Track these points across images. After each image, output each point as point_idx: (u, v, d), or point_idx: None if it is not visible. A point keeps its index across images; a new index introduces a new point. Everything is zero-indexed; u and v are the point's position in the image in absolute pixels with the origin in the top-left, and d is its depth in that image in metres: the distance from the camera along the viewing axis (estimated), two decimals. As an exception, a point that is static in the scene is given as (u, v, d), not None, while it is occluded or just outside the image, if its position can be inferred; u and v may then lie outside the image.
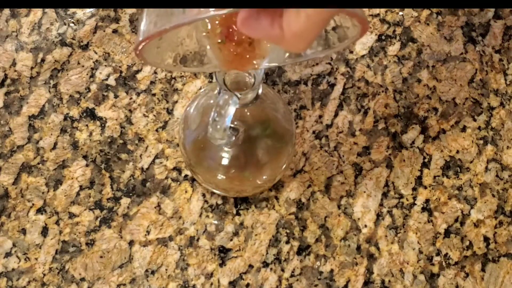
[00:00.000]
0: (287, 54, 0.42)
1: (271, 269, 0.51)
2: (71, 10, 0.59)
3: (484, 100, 0.58)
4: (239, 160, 0.48)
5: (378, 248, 0.52)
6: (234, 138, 0.45)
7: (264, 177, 0.50)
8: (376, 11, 0.60)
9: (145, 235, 0.52)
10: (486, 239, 0.53)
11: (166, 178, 0.53)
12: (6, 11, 0.59)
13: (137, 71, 0.57)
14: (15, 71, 0.56)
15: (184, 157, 0.51)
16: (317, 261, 0.51)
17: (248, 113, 0.45)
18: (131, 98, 0.56)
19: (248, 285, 0.51)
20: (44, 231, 0.51)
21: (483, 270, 0.52)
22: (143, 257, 0.51)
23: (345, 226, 0.52)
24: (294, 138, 0.51)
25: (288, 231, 0.52)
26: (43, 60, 0.57)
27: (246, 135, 0.46)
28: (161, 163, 0.54)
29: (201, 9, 0.31)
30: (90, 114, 0.55)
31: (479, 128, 0.57)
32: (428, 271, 0.52)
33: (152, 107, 0.55)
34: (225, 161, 0.48)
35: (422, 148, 0.56)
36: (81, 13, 0.59)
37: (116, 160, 0.54)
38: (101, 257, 0.51)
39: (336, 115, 0.56)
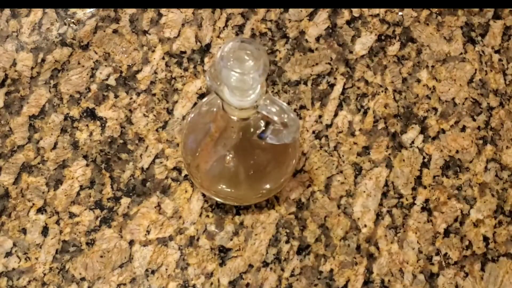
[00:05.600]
0: None
1: (271, 268, 0.51)
2: (72, 10, 0.59)
3: (484, 100, 0.58)
4: (243, 168, 0.47)
5: (377, 248, 0.52)
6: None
7: (267, 186, 0.49)
8: (376, 11, 0.60)
9: (145, 234, 0.52)
10: (485, 238, 0.53)
11: (166, 178, 0.53)
12: (7, 11, 0.59)
13: (137, 71, 0.57)
14: (16, 71, 0.56)
15: (186, 166, 0.51)
16: (316, 261, 0.52)
17: (251, 121, 0.44)
18: (131, 98, 0.56)
19: (248, 284, 0.51)
20: (45, 231, 0.52)
21: (482, 269, 0.52)
22: (143, 256, 0.51)
23: (345, 226, 0.53)
24: (298, 144, 0.50)
25: (288, 230, 0.52)
26: (43, 60, 0.57)
27: (248, 143, 0.46)
28: (161, 163, 0.54)
29: None
30: (90, 114, 0.55)
31: (478, 128, 0.57)
32: (427, 270, 0.52)
33: (152, 107, 0.56)
34: (228, 169, 0.48)
35: (422, 148, 0.56)
36: (81, 13, 0.59)
37: (116, 160, 0.54)
38: (101, 256, 0.51)
39: (335, 115, 0.56)
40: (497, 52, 0.59)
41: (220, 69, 0.38)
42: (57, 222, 0.52)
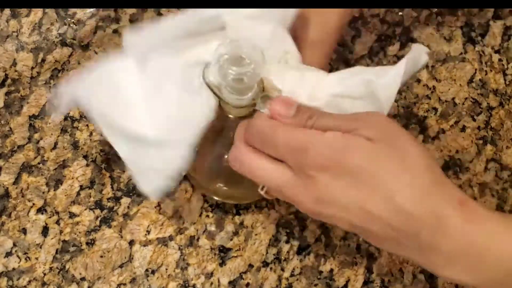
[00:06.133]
0: None
1: (271, 268, 0.51)
2: (72, 10, 0.59)
3: (484, 100, 0.58)
4: None
5: (377, 248, 0.52)
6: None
7: None
8: (376, 11, 0.60)
9: (145, 234, 0.52)
10: (485, 238, 0.53)
11: (166, 178, 0.53)
12: (7, 11, 0.59)
13: (137, 71, 0.57)
14: (16, 71, 0.56)
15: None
16: (316, 261, 0.52)
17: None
18: (131, 98, 0.56)
19: (248, 284, 0.51)
20: (45, 231, 0.52)
21: (482, 269, 0.52)
22: (143, 256, 0.51)
23: (345, 226, 0.53)
24: None
25: (288, 230, 0.52)
26: (43, 60, 0.57)
27: None
28: (161, 163, 0.54)
29: None
30: (91, 114, 0.55)
31: (478, 128, 0.57)
32: (427, 271, 0.52)
33: (152, 107, 0.56)
34: (226, 168, 0.48)
35: (422, 148, 0.56)
36: (81, 13, 0.59)
37: (117, 160, 0.54)
38: (101, 256, 0.51)
39: (336, 115, 0.56)
40: (497, 52, 0.59)
41: (217, 68, 0.39)
42: (57, 222, 0.52)
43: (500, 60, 0.59)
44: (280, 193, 0.39)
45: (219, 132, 0.47)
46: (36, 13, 0.59)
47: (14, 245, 0.51)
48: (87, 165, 0.54)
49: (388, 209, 0.35)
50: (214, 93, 0.40)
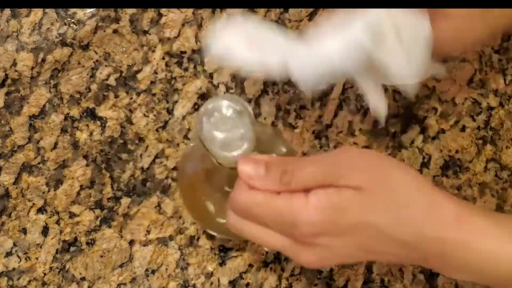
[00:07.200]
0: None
1: (271, 268, 0.51)
2: (72, 10, 0.59)
3: (483, 100, 0.58)
4: None
5: (377, 248, 0.52)
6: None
7: None
8: (375, 11, 0.60)
9: (145, 234, 0.52)
10: (485, 238, 0.53)
11: (166, 177, 0.53)
12: (7, 11, 0.59)
13: (137, 71, 0.57)
14: (16, 71, 0.56)
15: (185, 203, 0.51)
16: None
17: None
18: (131, 98, 0.56)
19: (248, 284, 0.51)
20: (45, 231, 0.52)
21: (482, 269, 0.52)
22: (143, 256, 0.51)
23: (345, 226, 0.53)
24: None
25: (288, 230, 0.52)
26: (43, 60, 0.57)
27: None
28: (161, 163, 0.54)
29: None
30: (91, 114, 0.55)
31: (478, 128, 0.57)
32: (427, 270, 0.52)
33: (152, 107, 0.56)
34: (221, 205, 0.46)
35: (422, 148, 0.56)
36: (81, 13, 0.59)
37: (117, 160, 0.54)
38: (101, 256, 0.51)
39: (335, 115, 0.56)
40: (497, 52, 0.59)
41: (203, 128, 0.37)
42: (57, 222, 0.52)
43: (500, 60, 0.59)
44: (281, 252, 0.39)
45: (212, 175, 0.46)
46: (36, 13, 0.59)
47: (14, 245, 0.51)
48: (87, 165, 0.54)
49: (393, 245, 0.36)
50: (205, 147, 0.39)
